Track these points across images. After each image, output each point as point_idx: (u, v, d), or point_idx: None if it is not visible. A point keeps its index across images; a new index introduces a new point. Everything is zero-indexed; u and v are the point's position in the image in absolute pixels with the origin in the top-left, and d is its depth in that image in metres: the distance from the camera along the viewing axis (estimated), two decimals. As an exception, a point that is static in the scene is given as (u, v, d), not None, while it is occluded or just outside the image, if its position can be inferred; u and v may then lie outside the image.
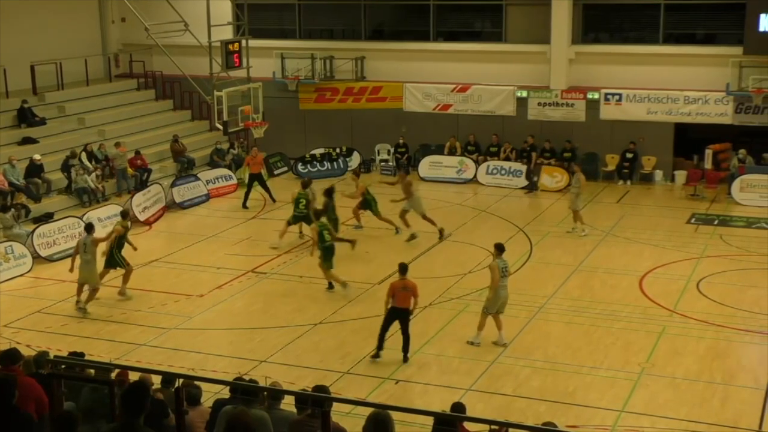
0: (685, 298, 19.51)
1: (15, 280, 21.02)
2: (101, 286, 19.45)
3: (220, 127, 28.81)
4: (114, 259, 19.74)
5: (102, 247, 19.47)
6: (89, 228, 19.49)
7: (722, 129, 29.13)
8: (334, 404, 8.54)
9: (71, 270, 19.04)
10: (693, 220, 25.67)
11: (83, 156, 27.15)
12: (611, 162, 30.39)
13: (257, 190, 27.39)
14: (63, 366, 9.61)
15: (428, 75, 32.02)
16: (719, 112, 28.87)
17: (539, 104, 30.73)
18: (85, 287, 19.07)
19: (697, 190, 28.22)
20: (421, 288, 19.36)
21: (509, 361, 16.40)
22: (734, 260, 21.97)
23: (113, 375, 9.22)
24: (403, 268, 16.47)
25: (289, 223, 23.00)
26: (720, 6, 30.03)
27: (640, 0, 30.42)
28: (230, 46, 28.52)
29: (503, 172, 29.93)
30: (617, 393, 15.15)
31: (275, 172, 31.33)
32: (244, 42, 29.15)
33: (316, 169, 31.49)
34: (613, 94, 29.94)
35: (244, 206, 26.99)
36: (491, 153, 30.79)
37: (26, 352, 12.63)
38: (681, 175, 29.54)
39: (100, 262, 19.44)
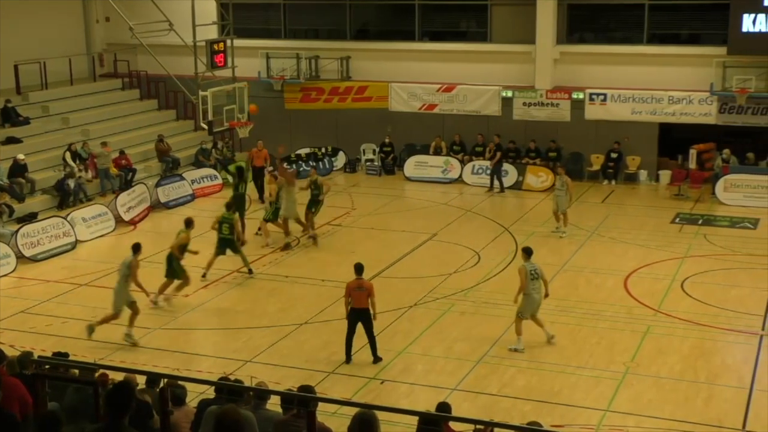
0: (669, 297, 19.58)
1: (-1, 280, 20.94)
2: (169, 295, 19.32)
3: (205, 126, 28.72)
4: (174, 270, 19.35)
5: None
6: (136, 248, 17.90)
7: (706, 129, 29.24)
8: (320, 404, 8.53)
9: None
10: (677, 220, 25.76)
11: (67, 156, 27.05)
12: (596, 162, 30.47)
13: (249, 186, 27.55)
14: (47, 366, 9.57)
15: (414, 75, 32.03)
16: (703, 112, 28.98)
17: (524, 104, 30.78)
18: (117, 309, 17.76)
19: (682, 190, 28.32)
20: (406, 288, 19.50)
21: (494, 360, 16.43)
22: (718, 260, 22.06)
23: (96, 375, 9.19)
24: (358, 268, 16.36)
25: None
26: (704, 6, 30.12)
27: (624, 0, 30.52)
28: (215, 46, 28.41)
29: (488, 171, 29.94)
30: (602, 392, 15.19)
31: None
32: (229, 41, 29.04)
33: (301, 168, 31.43)
34: (598, 94, 30.01)
35: (262, 200, 27.19)
36: (476, 153, 30.82)
37: (10, 352, 12.59)
38: (665, 175, 29.64)
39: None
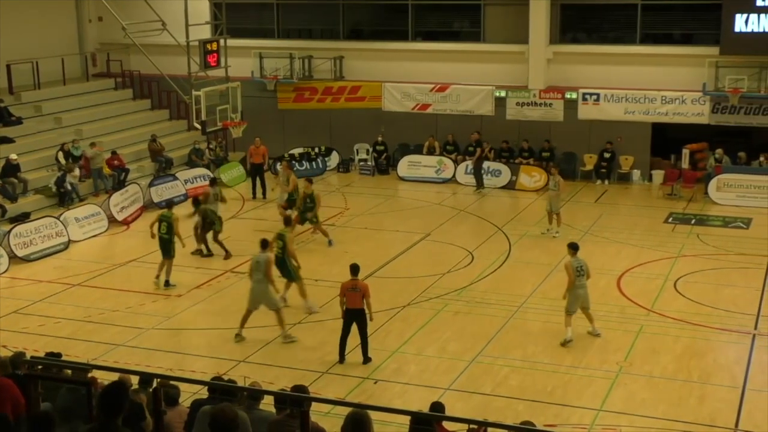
0: (662, 297, 19.61)
1: (-9, 281, 20.89)
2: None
3: (198, 126, 28.70)
4: (290, 272, 18.74)
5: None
6: (264, 244, 17.66)
7: (699, 129, 29.29)
8: (313, 404, 8.53)
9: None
10: (670, 220, 25.80)
11: (60, 155, 27.00)
12: (589, 162, 30.51)
13: (247, 184, 27.72)
14: (40, 366, 9.56)
15: (407, 75, 32.03)
16: (696, 112, 29.04)
17: (518, 104, 30.81)
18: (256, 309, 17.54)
19: (675, 190, 28.36)
20: (400, 288, 19.49)
21: (488, 360, 16.43)
22: (711, 259, 22.10)
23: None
24: (353, 269, 16.38)
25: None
26: (697, 6, 30.17)
27: (617, 0, 30.56)
28: (208, 46, 28.39)
29: (482, 171, 29.91)
30: (595, 392, 15.20)
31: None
32: (222, 41, 29.03)
33: (294, 168, 31.40)
34: (591, 94, 30.05)
35: (256, 197, 27.64)
36: (470, 153, 30.82)
37: (2, 352, 12.57)
38: (658, 175, 29.67)
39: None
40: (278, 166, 27.88)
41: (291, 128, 32.90)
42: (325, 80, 32.73)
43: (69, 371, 9.77)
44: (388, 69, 32.25)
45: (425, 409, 11.04)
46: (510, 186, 29.57)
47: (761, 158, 28.24)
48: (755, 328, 17.88)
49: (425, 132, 31.52)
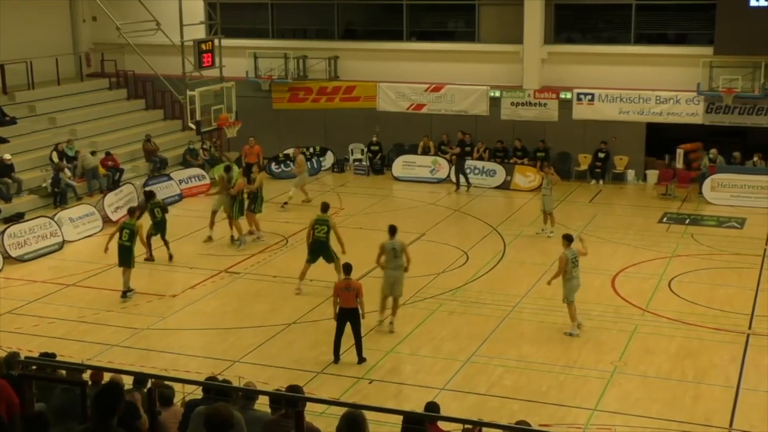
0: (656, 297, 19.64)
1: (-15, 281, 20.84)
2: None
3: (193, 126, 28.71)
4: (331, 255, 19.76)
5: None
6: (393, 230, 18.00)
7: (693, 129, 29.33)
8: (308, 404, 8.52)
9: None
10: (665, 220, 25.84)
11: (54, 155, 26.96)
12: (584, 161, 30.54)
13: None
14: (34, 367, 9.54)
15: (402, 75, 32.03)
16: (690, 111, 29.07)
17: (512, 104, 30.82)
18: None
19: (669, 190, 28.40)
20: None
21: (483, 360, 16.44)
22: (705, 259, 22.14)
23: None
24: (346, 268, 16.55)
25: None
26: (691, 6, 30.22)
27: (612, 0, 30.59)
28: (203, 46, 28.40)
29: (476, 171, 29.97)
30: (590, 391, 15.22)
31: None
32: (216, 41, 29.04)
33: (289, 168, 31.44)
34: (586, 94, 30.08)
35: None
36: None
37: (-4, 353, 12.54)
38: (653, 175, 29.71)
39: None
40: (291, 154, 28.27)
41: (286, 128, 32.88)
42: (319, 80, 32.72)
43: (63, 371, 9.76)
44: (383, 69, 32.25)
45: (420, 409, 11.03)
46: (505, 186, 29.59)
47: (755, 158, 28.30)
48: (749, 327, 17.92)
49: (420, 132, 31.53)
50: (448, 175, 30.39)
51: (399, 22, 32.53)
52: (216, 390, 9.71)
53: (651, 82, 29.54)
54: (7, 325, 18.13)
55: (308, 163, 31.87)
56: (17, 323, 18.25)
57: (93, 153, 27.57)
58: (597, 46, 30.72)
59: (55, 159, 26.85)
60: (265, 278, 21.02)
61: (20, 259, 22.24)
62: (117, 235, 19.83)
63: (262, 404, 9.71)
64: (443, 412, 11.16)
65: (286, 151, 31.46)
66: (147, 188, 24.74)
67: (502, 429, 9.51)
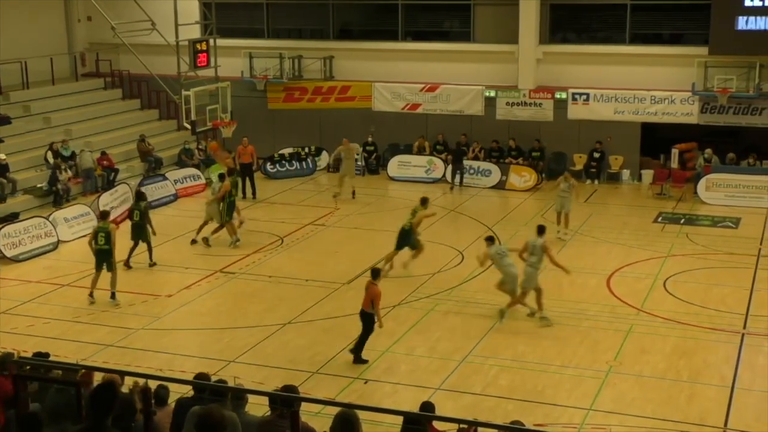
0: (652, 296, 19.65)
1: (-21, 281, 20.80)
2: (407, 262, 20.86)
3: (188, 126, 28.66)
4: (412, 242, 21.09)
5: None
6: (541, 230, 18.51)
7: (688, 128, 29.38)
8: (303, 404, 8.51)
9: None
10: (660, 219, 25.86)
11: (49, 155, 26.92)
12: (579, 161, 30.55)
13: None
14: (28, 367, 9.52)
15: (397, 74, 32.04)
16: (685, 111, 29.12)
17: (507, 104, 30.84)
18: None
19: (664, 190, 28.43)
20: (390, 287, 19.46)
21: (478, 360, 16.44)
22: (700, 259, 22.16)
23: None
24: (373, 273, 16.85)
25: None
26: (686, 6, 30.26)
27: (607, 0, 30.62)
28: (198, 45, 28.33)
29: (472, 171, 29.97)
30: (585, 391, 15.22)
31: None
32: (211, 41, 28.99)
33: (285, 168, 31.44)
34: (581, 94, 30.11)
35: (246, 197, 27.56)
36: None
37: (-9, 353, 12.50)
38: (648, 175, 29.73)
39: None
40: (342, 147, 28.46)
41: (281, 128, 32.86)
42: (315, 80, 32.72)
43: (58, 372, 9.73)
44: (378, 69, 32.25)
45: (415, 408, 11.03)
46: (500, 186, 29.60)
47: (750, 158, 28.34)
48: (744, 327, 17.94)
49: (415, 132, 31.53)
50: (444, 175, 30.39)
51: (394, 22, 32.54)
52: (206, 389, 9.67)
53: (646, 82, 29.57)
54: (2, 325, 18.06)
55: (303, 163, 31.92)
56: (12, 323, 18.21)
57: (97, 158, 27.56)
58: (592, 46, 30.75)
59: (50, 159, 26.80)
60: (261, 278, 21.00)
61: (15, 260, 22.20)
62: (93, 241, 19.44)
63: (262, 405, 9.68)
64: (438, 412, 11.15)
65: (282, 151, 31.46)
66: (140, 188, 24.68)
67: (497, 429, 9.51)
